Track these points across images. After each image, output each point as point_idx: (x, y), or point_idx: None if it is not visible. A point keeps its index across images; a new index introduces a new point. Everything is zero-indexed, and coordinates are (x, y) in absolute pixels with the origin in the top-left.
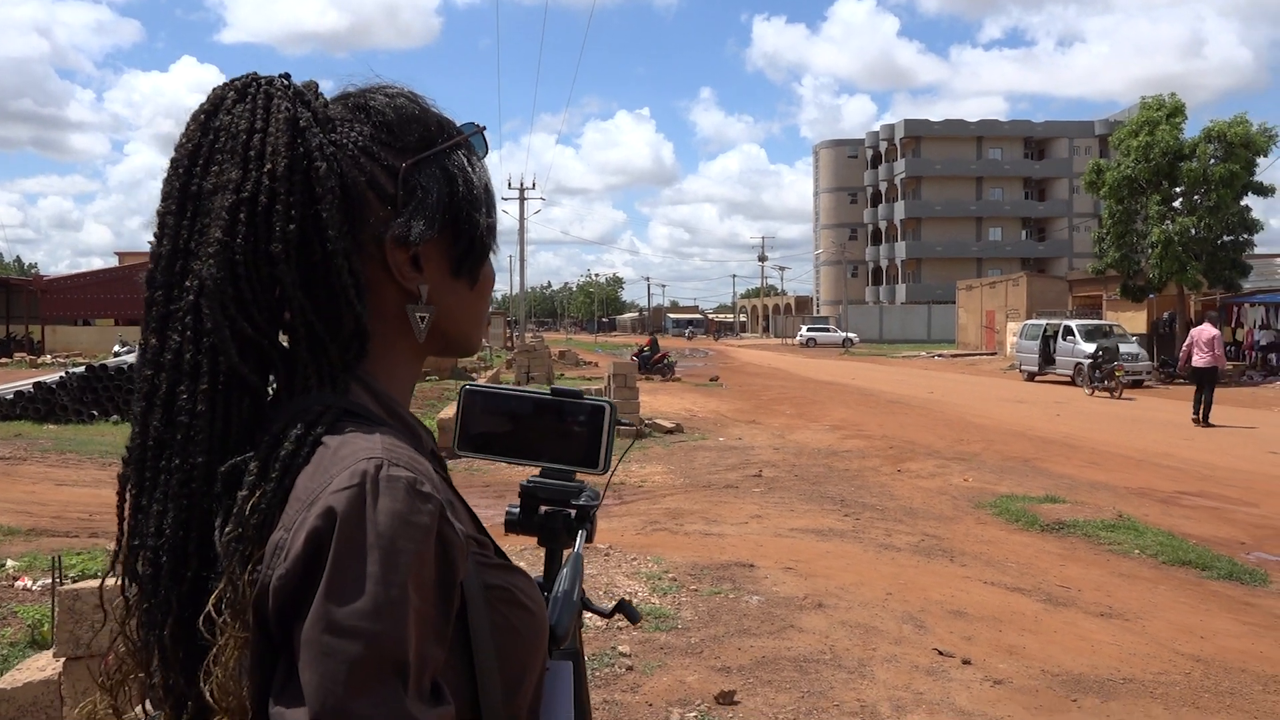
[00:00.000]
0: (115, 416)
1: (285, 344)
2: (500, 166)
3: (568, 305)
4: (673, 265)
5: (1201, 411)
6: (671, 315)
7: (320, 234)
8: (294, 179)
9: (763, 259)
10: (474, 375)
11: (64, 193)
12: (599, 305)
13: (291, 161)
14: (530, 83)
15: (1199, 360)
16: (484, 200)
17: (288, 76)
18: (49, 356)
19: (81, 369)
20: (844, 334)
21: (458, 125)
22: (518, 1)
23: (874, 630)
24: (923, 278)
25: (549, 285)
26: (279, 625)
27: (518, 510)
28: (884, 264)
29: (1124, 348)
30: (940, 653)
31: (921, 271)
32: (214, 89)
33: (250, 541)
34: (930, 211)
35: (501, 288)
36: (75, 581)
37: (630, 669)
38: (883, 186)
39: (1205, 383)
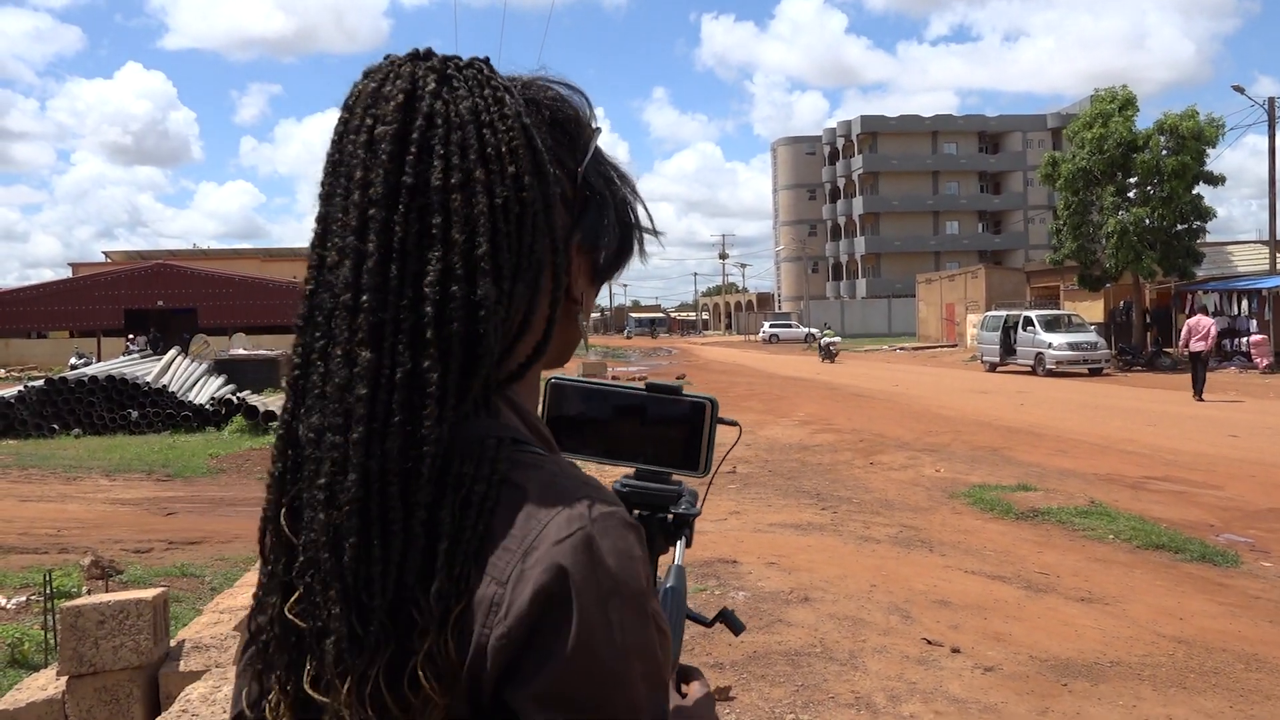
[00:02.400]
0: (77, 430)
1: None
2: None
3: None
4: (632, 265)
5: (1199, 389)
6: (634, 315)
7: (555, 244)
8: (544, 186)
9: (723, 256)
10: None
11: (9, 204)
12: None
13: (536, 163)
14: None
15: (1196, 346)
16: (633, 203)
17: (487, 60)
18: (3, 370)
19: (40, 382)
20: (806, 329)
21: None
22: (467, 4)
23: (862, 622)
24: (882, 272)
25: None
26: (495, 687)
27: None
28: (844, 259)
29: (1082, 336)
30: (929, 642)
31: (881, 266)
32: (387, 66)
33: (451, 597)
34: (888, 206)
35: None
36: (52, 599)
37: None
38: (841, 182)
39: (1200, 365)
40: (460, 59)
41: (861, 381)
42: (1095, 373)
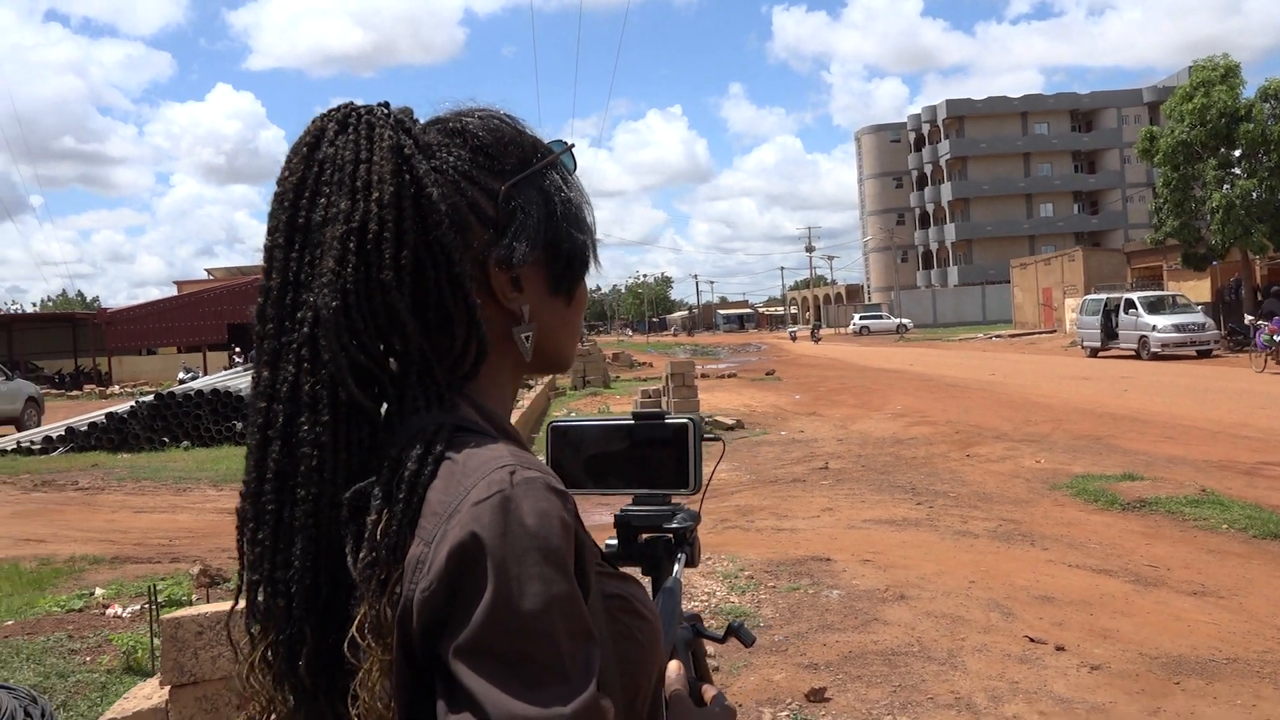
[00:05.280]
0: (186, 442)
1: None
2: None
3: (617, 307)
4: (717, 261)
5: None
6: (721, 311)
7: (435, 259)
8: (403, 206)
9: (810, 249)
10: (530, 383)
11: (115, 227)
12: (649, 305)
13: (398, 189)
14: (558, 90)
15: None
16: (582, 217)
17: (386, 105)
18: (117, 387)
19: (150, 397)
20: (898, 320)
21: (547, 144)
22: (540, 10)
23: (960, 620)
24: (974, 259)
25: (597, 289)
26: (424, 642)
27: (616, 543)
28: (934, 247)
29: (1189, 318)
30: (1032, 640)
31: (973, 252)
32: (313, 121)
33: (385, 564)
34: (978, 191)
35: None
36: (162, 608)
37: (716, 669)
38: (928, 169)
39: None
40: (366, 107)
41: (957, 371)
42: (1204, 355)
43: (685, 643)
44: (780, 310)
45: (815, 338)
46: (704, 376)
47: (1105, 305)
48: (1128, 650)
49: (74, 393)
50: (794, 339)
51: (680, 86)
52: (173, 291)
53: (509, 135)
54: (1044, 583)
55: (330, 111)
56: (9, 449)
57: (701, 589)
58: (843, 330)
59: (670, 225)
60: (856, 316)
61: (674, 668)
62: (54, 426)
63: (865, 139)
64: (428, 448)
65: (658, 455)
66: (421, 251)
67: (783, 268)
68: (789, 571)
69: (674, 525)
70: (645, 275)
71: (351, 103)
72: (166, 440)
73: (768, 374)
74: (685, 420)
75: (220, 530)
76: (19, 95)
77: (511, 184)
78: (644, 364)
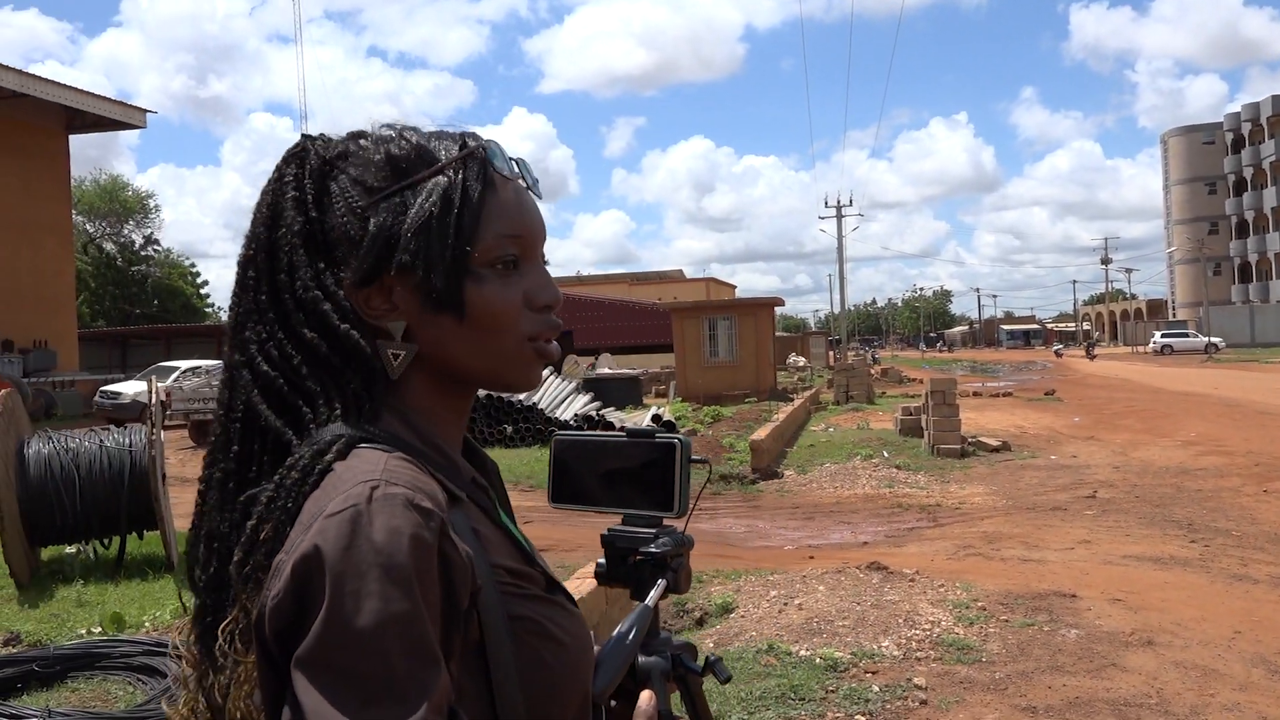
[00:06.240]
0: None
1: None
2: (813, 186)
3: (893, 321)
4: (1003, 274)
5: None
6: (1005, 326)
7: (290, 285)
8: (274, 235)
9: (1106, 262)
10: (792, 396)
11: None
12: (926, 320)
13: (269, 215)
14: (837, 100)
15: None
16: (454, 227)
17: (307, 137)
18: None
19: None
20: (1206, 339)
21: (456, 151)
22: (820, 21)
23: (1214, 673)
24: None
25: (872, 302)
26: (279, 650)
27: (604, 562)
28: (1252, 259)
29: None
30: None
31: None
32: None
33: (259, 569)
34: None
35: (822, 307)
36: None
37: (924, 703)
38: (1247, 173)
39: None
40: (307, 139)
41: (1272, 398)
42: None
43: (663, 673)
44: (1072, 326)
45: (1090, 355)
46: (975, 395)
47: None
48: None
49: None
50: (1059, 356)
51: (966, 93)
52: None
53: (392, 153)
54: None
55: None
56: None
57: (926, 617)
58: (1141, 349)
59: (953, 237)
60: (1157, 334)
61: (645, 698)
62: None
63: (1173, 141)
64: (315, 457)
65: (647, 475)
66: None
67: (1075, 281)
68: (1026, 605)
69: (651, 549)
70: (923, 289)
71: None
72: None
73: (1047, 394)
74: (673, 440)
75: None
76: (345, 124)
77: (369, 202)
78: (914, 380)
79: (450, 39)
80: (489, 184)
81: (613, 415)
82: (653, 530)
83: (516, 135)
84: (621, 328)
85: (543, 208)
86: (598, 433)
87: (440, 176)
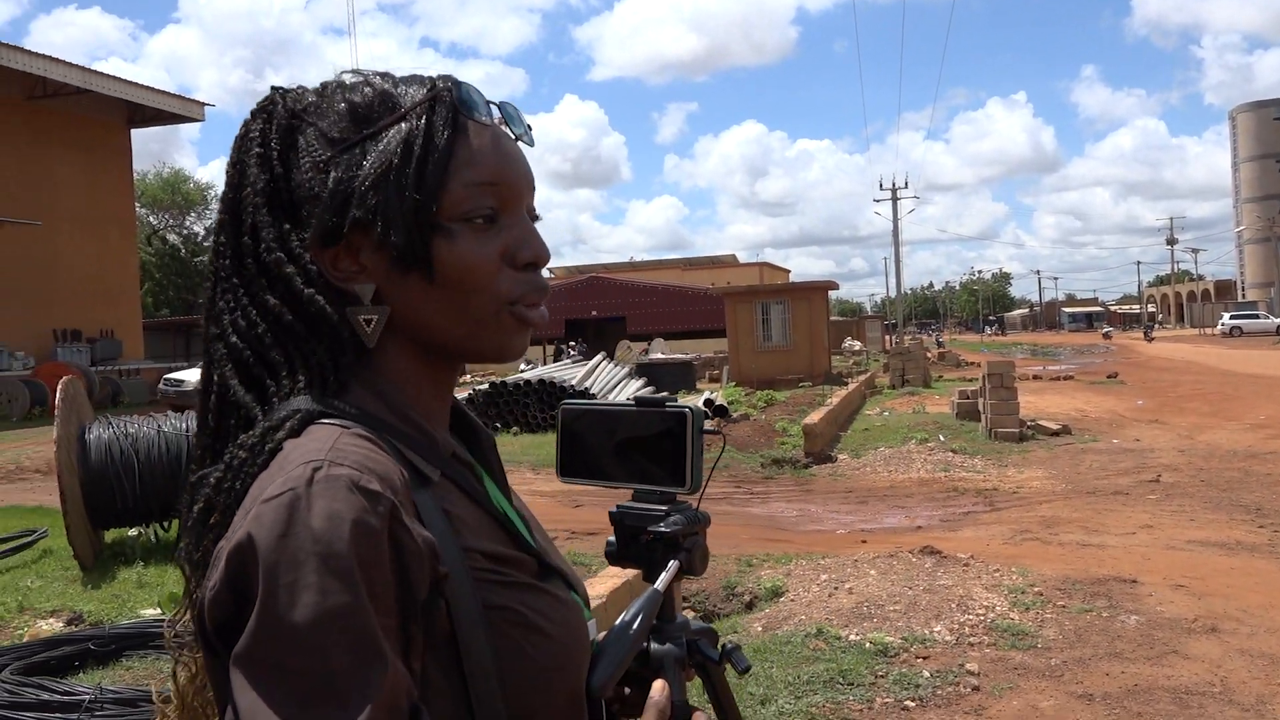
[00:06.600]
0: (515, 428)
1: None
2: (868, 169)
3: (950, 305)
4: (1064, 256)
5: None
6: (1066, 309)
7: (253, 246)
8: (239, 195)
9: (1171, 242)
10: (847, 380)
11: None
12: (984, 303)
13: (232, 175)
14: (891, 82)
15: None
16: (411, 177)
17: (277, 89)
18: (469, 376)
19: (486, 385)
20: (1277, 320)
21: (422, 94)
22: (873, 2)
23: None
24: None
25: (929, 285)
26: (222, 645)
27: (614, 541)
28: None
29: None
30: None
31: None
32: None
33: (209, 555)
34: None
35: (878, 291)
36: None
37: (976, 689)
38: None
39: None
40: (276, 92)
41: None
42: None
43: (677, 660)
44: (1136, 308)
45: (1148, 337)
46: (1035, 378)
47: None
48: None
49: None
50: (1107, 338)
51: (1024, 72)
52: None
53: (354, 101)
54: None
55: None
56: None
57: (980, 601)
58: (1208, 330)
59: (1012, 219)
60: (1226, 315)
61: (657, 687)
62: None
63: (1242, 118)
64: (264, 436)
65: (658, 447)
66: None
67: (1139, 262)
68: (1084, 591)
69: (661, 528)
70: (981, 271)
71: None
72: (499, 426)
73: (1109, 377)
74: (683, 409)
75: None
76: None
77: (331, 154)
78: (972, 364)
79: (502, 28)
80: (460, 130)
81: None
82: (664, 507)
83: (568, 123)
84: (675, 313)
85: (595, 195)
86: (607, 402)
87: (402, 124)
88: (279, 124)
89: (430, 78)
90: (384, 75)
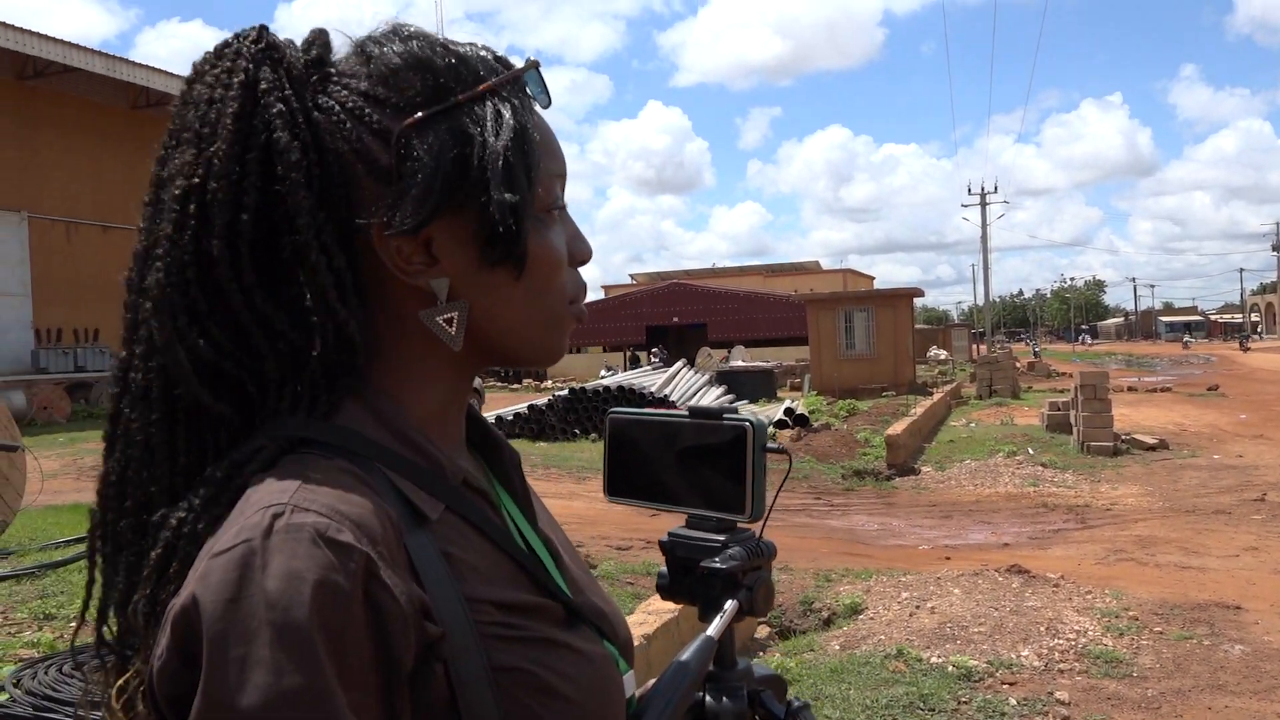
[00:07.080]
0: (594, 434)
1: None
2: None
3: (1041, 313)
4: (1161, 263)
5: None
6: (1164, 319)
7: (285, 222)
8: (246, 157)
9: (1278, 248)
10: (931, 390)
11: None
12: (1076, 311)
13: (236, 135)
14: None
15: None
16: (520, 166)
17: (263, 28)
18: (550, 381)
19: (565, 391)
20: None
21: (498, 69)
22: (962, 3)
23: None
24: None
25: (1019, 293)
26: (175, 718)
27: (666, 573)
28: None
29: None
30: None
31: None
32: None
33: (164, 608)
34: None
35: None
36: None
37: (1066, 719)
38: None
39: None
40: (245, 32)
41: None
42: None
43: (737, 716)
44: (1239, 317)
45: (1244, 347)
46: (1130, 390)
47: None
48: None
49: (514, 386)
50: (1186, 348)
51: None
52: (600, 296)
53: (420, 59)
54: None
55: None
56: None
57: (1071, 625)
58: None
59: (1106, 224)
60: None
61: None
62: (486, 416)
63: None
64: (231, 472)
65: (714, 466)
66: (278, 214)
67: (1242, 269)
68: (1184, 617)
69: (715, 563)
70: (1073, 279)
71: (241, 30)
72: (577, 432)
73: (1210, 389)
74: (743, 423)
75: (606, 519)
76: None
77: (410, 123)
78: (1063, 374)
79: (586, 35)
80: (531, 113)
81: (745, 409)
82: (722, 537)
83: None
84: (756, 320)
85: (678, 200)
86: (658, 411)
87: (493, 100)
88: (291, 73)
89: (487, 49)
90: (428, 33)
